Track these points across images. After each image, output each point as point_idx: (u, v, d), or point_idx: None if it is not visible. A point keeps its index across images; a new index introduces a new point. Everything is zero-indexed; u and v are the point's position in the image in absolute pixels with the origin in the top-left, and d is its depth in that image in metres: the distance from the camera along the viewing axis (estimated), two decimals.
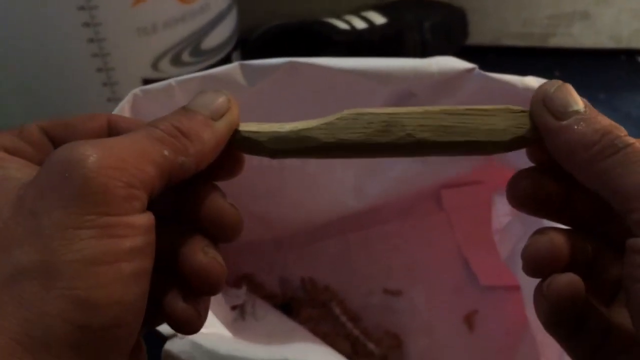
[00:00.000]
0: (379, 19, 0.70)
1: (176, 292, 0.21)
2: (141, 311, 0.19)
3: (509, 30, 0.76)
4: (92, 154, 0.18)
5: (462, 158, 0.42)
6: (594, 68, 0.76)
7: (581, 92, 0.36)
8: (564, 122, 0.21)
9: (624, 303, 0.20)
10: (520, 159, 0.40)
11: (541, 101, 0.21)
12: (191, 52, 0.51)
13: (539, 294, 0.21)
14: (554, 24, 0.75)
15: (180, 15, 0.49)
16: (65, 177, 0.18)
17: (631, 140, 0.20)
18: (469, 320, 0.47)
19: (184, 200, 0.22)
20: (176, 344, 0.30)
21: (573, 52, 0.77)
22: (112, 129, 0.23)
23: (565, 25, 0.75)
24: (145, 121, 0.22)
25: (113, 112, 0.33)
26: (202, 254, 0.21)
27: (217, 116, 0.22)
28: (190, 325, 0.21)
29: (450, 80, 0.36)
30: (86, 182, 0.18)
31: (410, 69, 0.36)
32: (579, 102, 0.21)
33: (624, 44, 0.76)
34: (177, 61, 0.51)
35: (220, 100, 0.22)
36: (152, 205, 0.20)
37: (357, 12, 0.71)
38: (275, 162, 0.42)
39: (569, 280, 0.20)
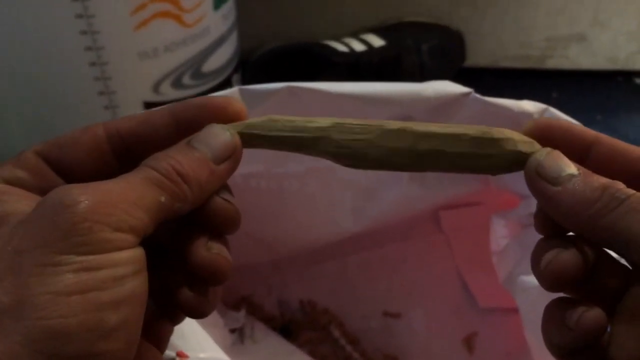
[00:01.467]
0: (377, 42, 0.71)
1: (186, 282, 0.22)
2: (126, 338, 0.18)
3: (506, 52, 0.77)
4: (83, 200, 0.18)
5: (460, 179, 0.42)
6: (591, 89, 0.76)
7: (578, 114, 0.36)
8: (561, 187, 0.21)
9: (625, 319, 0.21)
10: (518, 181, 0.41)
11: (534, 171, 0.22)
12: (192, 75, 0.52)
13: (560, 323, 0.21)
14: (551, 46, 0.76)
15: (181, 39, 0.50)
16: (53, 220, 0.18)
17: (631, 191, 0.20)
18: (469, 343, 0.47)
19: None
20: None
21: (570, 73, 0.78)
22: (179, 123, 0.22)
23: (562, 47, 0.76)
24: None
25: None
26: (205, 250, 0.21)
27: (220, 160, 0.21)
28: (199, 311, 0.22)
29: (446, 104, 0.37)
30: (72, 226, 0.18)
31: (406, 93, 0.37)
32: (571, 166, 0.21)
33: (620, 65, 0.77)
34: (178, 84, 0.51)
35: (226, 140, 0.21)
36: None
37: (356, 35, 0.72)
38: (274, 184, 0.43)
39: (596, 315, 0.21)
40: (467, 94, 0.37)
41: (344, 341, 0.47)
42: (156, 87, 0.50)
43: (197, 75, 0.53)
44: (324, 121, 0.22)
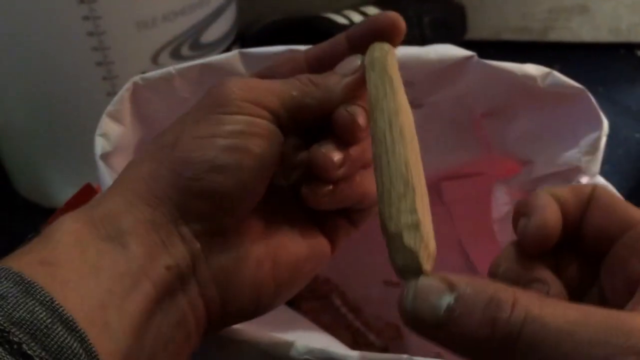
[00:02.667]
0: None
1: (324, 144, 0.27)
2: (235, 178, 0.24)
3: (508, 25, 0.76)
4: (233, 84, 0.26)
5: (462, 146, 0.42)
6: (593, 61, 0.76)
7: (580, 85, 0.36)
8: (446, 328, 0.18)
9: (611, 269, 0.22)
10: (522, 149, 0.40)
11: (411, 321, 0.19)
12: (191, 45, 0.51)
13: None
14: (553, 18, 0.75)
15: (180, 9, 0.49)
16: (211, 95, 0.26)
17: (521, 311, 0.18)
18: None
19: None
20: None
21: (572, 45, 0.77)
22: (351, 41, 0.28)
23: (565, 19, 0.75)
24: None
25: (114, 100, 0.33)
26: (344, 110, 0.27)
27: (348, 73, 0.27)
28: (325, 169, 0.26)
29: (448, 68, 0.36)
30: (221, 96, 0.25)
31: (408, 57, 0.36)
32: (443, 293, 0.18)
33: (623, 37, 0.76)
34: (176, 55, 0.51)
35: (355, 63, 0.27)
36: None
37: (356, 7, 0.72)
38: None
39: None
40: (469, 58, 0.36)
41: (345, 310, 0.47)
42: (155, 58, 0.50)
43: (196, 46, 0.52)
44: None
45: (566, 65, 0.74)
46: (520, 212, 0.23)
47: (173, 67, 0.34)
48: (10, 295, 0.20)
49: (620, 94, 0.73)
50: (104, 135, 0.32)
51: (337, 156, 0.26)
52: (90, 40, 0.47)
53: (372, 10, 0.71)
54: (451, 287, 0.18)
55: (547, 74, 0.35)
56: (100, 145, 0.32)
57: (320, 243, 0.29)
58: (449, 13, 0.73)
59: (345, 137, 0.27)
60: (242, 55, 0.35)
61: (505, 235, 0.40)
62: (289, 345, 0.26)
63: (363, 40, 0.28)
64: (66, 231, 0.22)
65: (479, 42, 0.76)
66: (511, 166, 0.42)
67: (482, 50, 0.41)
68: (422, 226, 0.20)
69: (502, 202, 0.42)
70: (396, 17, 0.28)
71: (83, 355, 0.20)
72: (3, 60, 0.49)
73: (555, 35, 0.76)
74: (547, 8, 0.74)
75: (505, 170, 0.43)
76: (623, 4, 0.74)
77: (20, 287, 0.20)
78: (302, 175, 0.29)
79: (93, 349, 0.20)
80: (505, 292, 0.18)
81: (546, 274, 0.22)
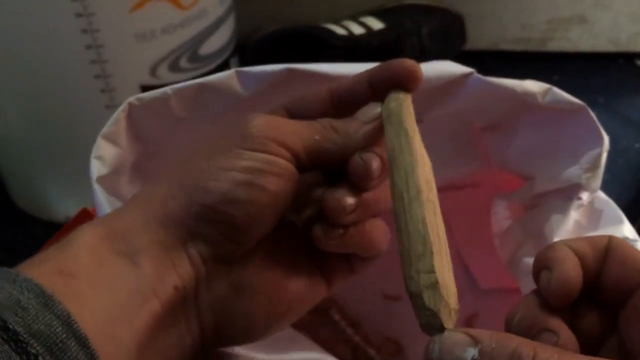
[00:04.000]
0: (376, 25, 0.70)
1: (337, 188, 0.28)
2: (247, 212, 0.25)
3: (507, 35, 0.76)
4: (259, 122, 0.27)
5: (461, 160, 0.42)
6: (592, 71, 0.76)
7: (580, 96, 0.36)
8: None
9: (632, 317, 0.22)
10: (522, 165, 0.40)
11: None
12: (189, 58, 0.51)
13: None
14: (552, 28, 0.75)
15: (178, 22, 0.49)
16: (238, 129, 0.27)
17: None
18: (469, 324, 0.47)
19: None
20: None
21: (571, 56, 0.77)
22: (372, 82, 0.29)
23: (563, 30, 0.75)
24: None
25: (109, 122, 0.33)
26: (358, 158, 0.27)
27: (368, 121, 0.28)
28: (336, 214, 0.27)
29: (447, 85, 0.36)
30: (248, 132, 0.26)
31: None
32: (466, 347, 0.20)
33: (622, 47, 0.76)
34: (175, 67, 0.51)
35: (374, 111, 0.28)
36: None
37: (355, 18, 0.71)
38: None
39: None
40: (469, 75, 0.36)
41: (344, 324, 0.47)
42: (153, 71, 0.50)
43: (195, 58, 0.52)
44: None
45: (565, 75, 0.74)
46: (541, 265, 0.24)
47: (169, 88, 0.34)
48: (30, 307, 0.21)
49: (620, 104, 0.73)
50: (99, 157, 0.32)
51: (349, 202, 0.27)
52: (89, 53, 0.47)
53: (371, 21, 0.71)
54: (475, 340, 0.20)
55: (547, 90, 0.35)
56: (96, 168, 0.31)
57: (318, 283, 0.29)
58: (447, 24, 0.73)
59: (358, 184, 0.27)
60: (239, 74, 0.34)
61: (507, 250, 0.40)
62: None
63: (382, 84, 0.29)
64: (85, 243, 0.24)
65: (477, 53, 0.76)
66: (511, 179, 0.41)
67: (481, 60, 0.41)
68: (441, 285, 0.22)
69: (502, 217, 0.42)
70: (413, 66, 0.29)
71: None
72: (1, 73, 0.49)
73: (554, 46, 0.76)
74: (546, 19, 0.74)
75: (505, 182, 0.43)
76: (622, 14, 0.74)
77: (40, 299, 0.21)
78: (314, 212, 0.29)
79: None
80: (526, 346, 0.20)
81: (558, 324, 0.23)
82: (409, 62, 0.29)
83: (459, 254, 0.50)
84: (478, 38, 0.76)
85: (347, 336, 0.47)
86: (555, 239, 0.35)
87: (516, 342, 0.20)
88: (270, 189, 0.26)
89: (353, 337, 0.46)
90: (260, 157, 0.26)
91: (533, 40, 0.76)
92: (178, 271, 0.25)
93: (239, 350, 0.31)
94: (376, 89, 0.29)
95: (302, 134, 0.27)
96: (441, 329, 0.21)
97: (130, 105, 0.33)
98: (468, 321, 0.48)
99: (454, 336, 0.20)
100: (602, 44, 0.76)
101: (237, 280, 0.27)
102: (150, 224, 0.25)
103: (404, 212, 0.24)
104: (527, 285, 0.38)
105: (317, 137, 0.27)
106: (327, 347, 0.43)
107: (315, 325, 0.47)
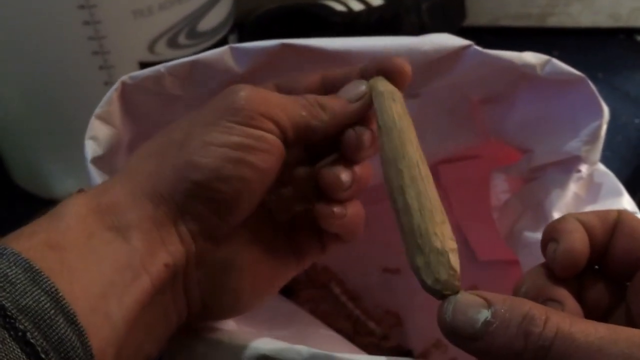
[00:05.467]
0: (376, 1, 0.69)
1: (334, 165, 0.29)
2: (236, 188, 0.25)
3: (506, 11, 0.75)
4: (247, 94, 0.26)
5: (459, 133, 0.42)
6: (592, 47, 0.75)
7: (580, 71, 0.36)
8: (482, 341, 0.20)
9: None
10: (521, 137, 0.40)
11: (450, 333, 0.21)
12: (187, 34, 0.51)
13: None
14: (552, 4, 0.75)
15: None
16: (224, 101, 0.26)
17: (552, 327, 0.19)
18: None
19: None
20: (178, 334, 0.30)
21: (571, 31, 0.76)
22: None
23: (564, 5, 0.75)
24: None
25: (102, 102, 0.33)
26: (352, 131, 0.28)
27: (354, 99, 0.29)
28: (335, 189, 0.28)
29: (445, 58, 0.36)
30: (234, 104, 0.26)
31: (404, 47, 0.36)
32: (480, 308, 0.20)
33: (622, 22, 0.76)
34: (173, 44, 0.50)
35: (361, 89, 0.29)
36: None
37: None
38: None
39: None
40: (467, 47, 0.36)
41: (344, 298, 0.47)
42: (151, 47, 0.49)
43: (193, 34, 0.52)
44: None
45: (565, 51, 0.73)
46: (549, 237, 0.24)
47: (162, 65, 0.33)
48: (18, 282, 0.21)
49: (619, 79, 0.72)
50: (93, 138, 0.31)
51: (346, 177, 0.28)
52: (86, 29, 0.46)
53: None
54: (488, 303, 0.20)
55: (547, 62, 0.35)
56: (90, 148, 0.31)
57: (291, 261, 0.30)
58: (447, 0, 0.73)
59: (350, 156, 0.28)
60: (233, 50, 0.34)
61: (505, 223, 0.40)
62: (292, 350, 0.26)
63: (376, 70, 0.30)
64: (74, 215, 0.23)
65: (477, 29, 0.76)
66: (510, 152, 0.41)
67: (481, 36, 0.40)
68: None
69: (500, 190, 0.42)
70: (402, 65, 0.30)
71: (80, 349, 0.21)
72: None
73: (554, 21, 0.76)
74: None
75: (504, 155, 0.43)
76: None
77: (28, 274, 0.21)
78: (294, 191, 0.30)
79: (89, 343, 0.21)
80: (538, 309, 0.20)
81: (563, 294, 0.23)
82: (398, 61, 0.30)
83: (457, 227, 0.50)
84: (478, 14, 0.75)
85: (348, 310, 0.47)
86: (554, 212, 0.35)
87: (529, 305, 0.20)
88: (259, 165, 0.26)
89: (353, 311, 0.47)
90: (250, 133, 0.26)
91: (533, 16, 0.76)
92: (168, 248, 0.25)
93: (242, 327, 0.31)
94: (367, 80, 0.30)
95: (289, 109, 0.27)
96: (455, 289, 0.22)
97: (124, 84, 0.33)
98: None
99: (468, 298, 0.21)
100: (602, 20, 0.76)
101: (225, 257, 0.27)
102: (140, 200, 0.25)
103: (414, 182, 0.25)
104: (526, 257, 0.38)
105: (303, 113, 0.27)
106: (328, 321, 0.43)
107: (316, 300, 0.48)
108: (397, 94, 0.29)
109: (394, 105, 0.28)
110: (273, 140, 0.26)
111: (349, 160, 0.29)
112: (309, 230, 0.30)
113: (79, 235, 0.23)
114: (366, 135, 0.28)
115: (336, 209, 0.28)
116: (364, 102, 0.29)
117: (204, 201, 0.25)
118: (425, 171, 0.26)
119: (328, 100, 0.28)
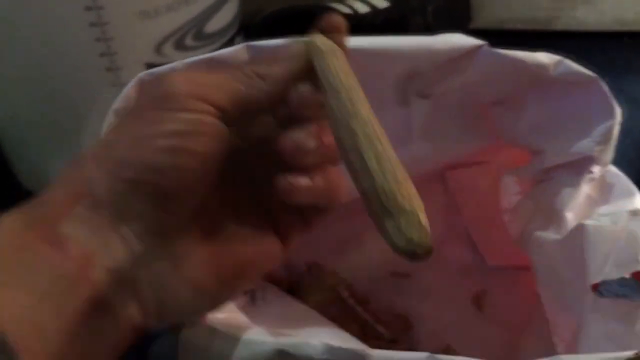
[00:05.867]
0: (381, 3, 0.69)
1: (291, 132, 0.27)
2: (177, 180, 0.24)
3: (512, 14, 0.75)
4: (178, 80, 0.25)
5: (470, 136, 0.42)
6: (598, 50, 0.75)
7: None
8: None
9: None
10: (533, 138, 0.40)
11: None
12: (194, 35, 0.51)
13: None
14: (558, 7, 0.75)
15: None
16: (154, 90, 0.26)
17: None
18: (478, 301, 0.47)
19: None
20: (194, 331, 0.29)
21: (577, 34, 0.76)
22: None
23: (570, 8, 0.75)
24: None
25: (119, 97, 0.33)
26: (294, 92, 0.27)
27: (291, 58, 0.27)
28: (295, 154, 0.26)
29: (458, 58, 0.36)
30: (166, 92, 0.25)
31: (415, 47, 0.36)
32: None
33: (628, 26, 0.76)
34: (180, 45, 0.50)
35: (297, 48, 0.27)
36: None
37: None
38: None
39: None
40: (479, 47, 0.36)
41: (353, 302, 0.47)
42: (158, 48, 0.49)
43: (200, 36, 0.52)
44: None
45: (571, 54, 0.73)
46: None
47: (179, 62, 0.33)
48: None
49: (625, 83, 0.72)
50: None
51: (305, 141, 0.26)
52: (93, 31, 0.46)
53: None
54: None
55: (559, 62, 0.35)
56: None
57: (271, 243, 0.29)
58: (453, 2, 0.73)
59: (300, 116, 0.27)
60: (249, 48, 0.34)
61: (517, 225, 0.40)
62: (309, 345, 0.26)
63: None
64: (7, 232, 0.23)
65: (483, 31, 0.75)
66: (520, 154, 0.41)
67: (486, 39, 0.40)
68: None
69: (511, 192, 0.42)
70: (337, 20, 0.29)
71: None
72: (4, 52, 0.48)
73: (560, 25, 0.76)
74: None
75: (514, 158, 0.43)
76: None
77: None
78: (272, 164, 0.28)
79: (18, 357, 0.20)
80: None
81: None
82: (333, 16, 0.29)
83: (466, 231, 0.50)
84: (483, 17, 0.75)
85: (356, 314, 0.47)
86: (566, 213, 0.35)
87: None
88: (198, 150, 0.24)
89: (362, 315, 0.46)
90: (184, 118, 0.24)
91: (539, 19, 0.76)
92: (110, 253, 0.24)
93: (256, 324, 0.31)
94: None
95: (225, 86, 0.26)
96: (429, 249, 0.22)
97: (141, 80, 0.33)
98: (476, 298, 0.48)
99: None
100: (608, 23, 0.76)
101: (176, 253, 0.25)
102: (76, 208, 0.24)
103: (371, 142, 0.24)
104: (538, 259, 0.38)
105: (242, 87, 0.26)
106: (336, 324, 0.43)
107: (324, 303, 0.47)
108: (339, 51, 0.27)
109: (336, 61, 0.26)
110: (211, 121, 0.25)
111: (304, 122, 0.27)
112: (287, 205, 0.28)
113: (12, 251, 0.23)
114: (305, 89, 0.26)
115: (300, 180, 0.27)
116: (303, 62, 0.27)
117: (143, 198, 0.24)
118: (379, 129, 0.24)
119: (266, 69, 0.27)
